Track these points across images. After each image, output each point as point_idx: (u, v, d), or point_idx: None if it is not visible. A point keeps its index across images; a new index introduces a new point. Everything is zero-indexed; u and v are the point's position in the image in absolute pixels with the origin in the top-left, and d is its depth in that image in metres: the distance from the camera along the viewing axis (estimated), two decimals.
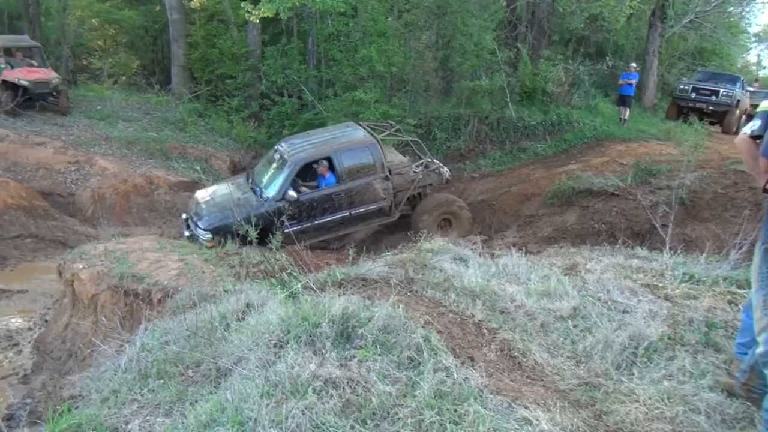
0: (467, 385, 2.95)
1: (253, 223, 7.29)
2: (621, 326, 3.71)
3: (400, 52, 16.03)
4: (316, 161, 9.16)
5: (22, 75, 14.05)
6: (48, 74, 14.60)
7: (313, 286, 4.40)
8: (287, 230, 8.93)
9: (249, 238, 5.80)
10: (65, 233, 10.71)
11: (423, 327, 3.51)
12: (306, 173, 9.48)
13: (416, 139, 11.06)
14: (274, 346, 3.26)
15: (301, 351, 3.16)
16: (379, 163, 9.41)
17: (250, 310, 3.99)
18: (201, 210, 9.06)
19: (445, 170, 10.36)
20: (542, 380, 3.32)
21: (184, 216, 9.56)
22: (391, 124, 11.43)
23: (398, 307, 3.63)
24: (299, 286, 4.19)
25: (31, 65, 14.83)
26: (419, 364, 3.14)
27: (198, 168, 13.48)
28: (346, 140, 9.65)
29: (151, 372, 3.41)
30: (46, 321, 7.48)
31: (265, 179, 9.40)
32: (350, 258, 5.32)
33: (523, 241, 9.69)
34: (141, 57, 21.26)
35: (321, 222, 9.17)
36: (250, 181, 9.95)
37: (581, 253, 5.61)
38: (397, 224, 9.81)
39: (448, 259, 5.12)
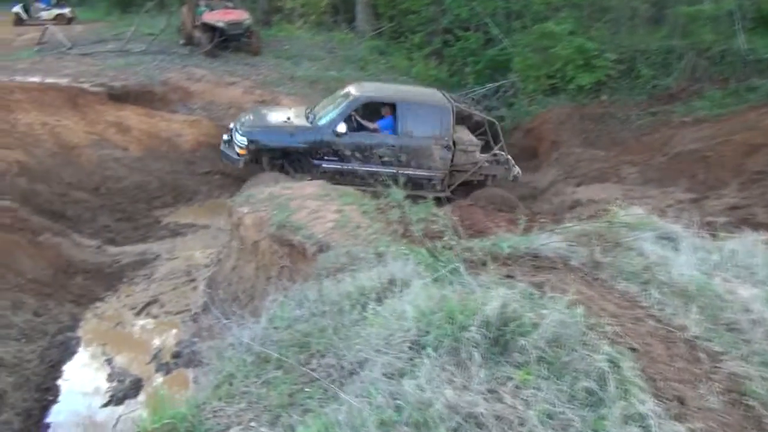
0: None
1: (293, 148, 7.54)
2: None
3: None
4: (382, 104, 8.64)
5: (219, 17, 14.68)
6: (241, 15, 15.10)
7: (471, 261, 3.62)
8: (324, 166, 8.51)
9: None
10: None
11: (610, 343, 2.56)
12: (371, 118, 8.77)
13: (494, 120, 9.50)
14: (409, 348, 2.57)
15: (440, 361, 2.44)
16: (446, 130, 8.53)
17: (392, 289, 3.33)
18: (247, 119, 8.98)
19: (516, 169, 9.15)
20: None
21: (231, 125, 9.31)
22: (472, 98, 10.34)
23: (577, 309, 2.71)
24: (450, 267, 3.41)
25: (227, 7, 15.45)
26: (601, 402, 2.23)
27: None
28: (420, 95, 9.05)
29: (271, 357, 2.94)
30: (219, 260, 7.66)
31: (324, 108, 8.98)
32: (521, 224, 4.41)
33: (747, 204, 7.86)
34: None
35: (363, 170, 8.48)
36: (308, 110, 9.44)
37: None
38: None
39: (651, 237, 3.96)
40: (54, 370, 5.37)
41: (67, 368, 5.49)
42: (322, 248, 5.25)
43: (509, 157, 9.23)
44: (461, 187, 9.00)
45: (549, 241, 3.94)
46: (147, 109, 11.38)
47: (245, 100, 12.97)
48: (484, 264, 3.75)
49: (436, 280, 3.33)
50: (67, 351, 5.69)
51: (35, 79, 11.16)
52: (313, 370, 2.80)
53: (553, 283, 3.27)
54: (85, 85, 11.14)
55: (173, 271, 7.54)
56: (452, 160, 8.75)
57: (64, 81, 11.23)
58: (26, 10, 21.01)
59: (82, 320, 6.27)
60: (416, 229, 5.05)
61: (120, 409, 5.14)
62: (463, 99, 10.27)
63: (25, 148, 8.85)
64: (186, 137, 10.90)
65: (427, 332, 2.61)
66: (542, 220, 6.26)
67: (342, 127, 8.28)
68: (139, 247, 8.02)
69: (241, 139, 8.45)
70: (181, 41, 15.61)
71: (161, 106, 11.88)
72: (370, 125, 8.71)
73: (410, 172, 8.59)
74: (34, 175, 8.43)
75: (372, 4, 17.71)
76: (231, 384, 2.82)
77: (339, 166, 8.52)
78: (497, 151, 9.06)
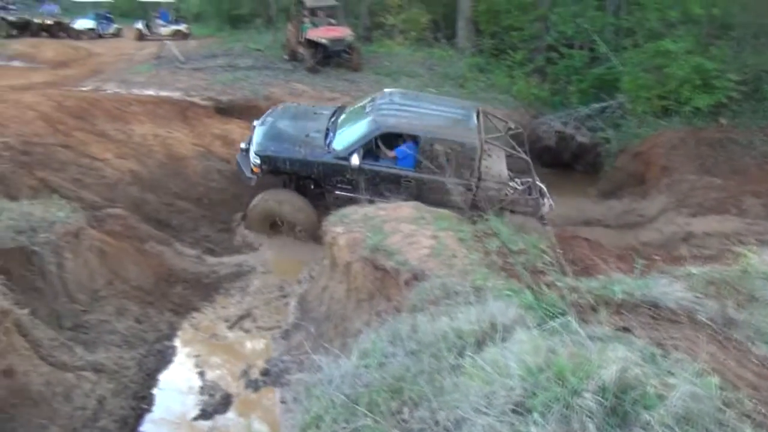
0: None
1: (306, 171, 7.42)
2: None
3: None
4: (404, 134, 8.05)
5: (322, 33, 15.02)
6: (343, 32, 15.38)
7: (579, 305, 3.30)
8: (338, 193, 8.17)
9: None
10: None
11: (753, 425, 2.18)
12: (393, 137, 8.24)
13: (527, 158, 8.41)
14: (512, 411, 2.32)
15: (548, 430, 2.17)
16: (469, 169, 7.87)
17: (493, 336, 3.08)
18: (266, 128, 8.55)
19: (548, 204, 8.38)
20: None
21: (254, 123, 9.04)
22: (510, 128, 9.17)
23: (710, 379, 2.35)
24: (558, 315, 3.12)
25: (330, 24, 15.78)
26: None
27: None
28: (447, 126, 8.08)
29: (361, 400, 2.78)
30: (312, 277, 7.67)
31: (344, 126, 8.47)
32: (637, 266, 4.01)
33: None
34: (431, 11, 21.33)
35: (377, 200, 7.85)
36: (332, 119, 8.91)
37: None
38: None
39: None
40: (150, 378, 5.51)
41: (163, 377, 5.62)
42: (416, 276, 5.08)
43: (542, 186, 8.50)
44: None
45: (671, 290, 3.54)
46: (250, 123, 11.74)
47: None
48: (594, 310, 3.42)
49: (541, 327, 3.05)
50: (164, 360, 5.84)
51: (151, 92, 11.84)
52: (405, 421, 2.61)
53: (678, 342, 2.90)
54: (195, 99, 11.68)
55: (267, 285, 7.63)
56: (474, 197, 8.07)
57: (176, 94, 11.83)
58: (147, 26, 22.54)
59: (180, 330, 6.44)
60: (516, 261, 4.75)
61: (209, 424, 5.20)
62: (499, 120, 9.31)
63: (138, 158, 9.32)
64: None
65: (534, 394, 2.35)
66: (656, 257, 5.76)
67: (356, 160, 7.87)
68: (236, 259, 8.18)
69: (254, 157, 8.19)
70: (285, 56, 16.11)
71: None
72: (389, 153, 8.23)
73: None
74: (144, 184, 8.85)
75: (473, 20, 17.51)
76: (318, 427, 2.69)
77: (352, 195, 8.07)
78: (531, 184, 8.33)
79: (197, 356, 6.05)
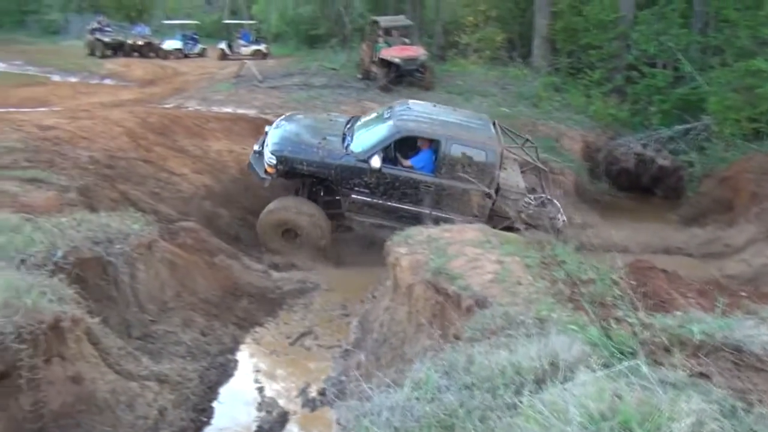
0: None
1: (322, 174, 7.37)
2: None
3: None
4: (423, 139, 7.96)
5: (395, 53, 15.14)
6: (417, 51, 15.45)
7: (651, 345, 3.06)
8: (354, 197, 8.00)
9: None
10: None
11: None
12: (407, 147, 8.18)
13: (545, 168, 8.55)
14: None
15: None
16: (490, 175, 7.80)
17: (554, 375, 2.90)
18: (282, 130, 8.44)
19: (562, 219, 8.24)
20: None
21: (267, 128, 8.86)
22: (527, 140, 9.21)
23: None
24: (626, 355, 2.89)
25: (404, 43, 15.89)
26: None
27: (546, 146, 12.60)
28: (468, 132, 8.02)
29: None
30: (375, 297, 7.62)
31: (361, 130, 8.36)
32: (720, 304, 3.70)
33: None
34: (507, 30, 21.13)
35: (394, 206, 7.97)
36: (348, 125, 8.82)
37: None
38: None
39: None
40: (211, 391, 5.58)
41: (223, 391, 5.69)
42: (478, 303, 4.92)
43: (555, 201, 8.43)
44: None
45: (757, 333, 3.23)
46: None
47: None
48: (668, 351, 3.16)
49: (607, 367, 2.84)
50: (225, 373, 5.91)
51: (228, 109, 12.28)
52: None
53: (763, 395, 2.62)
54: (270, 117, 11.99)
55: (330, 303, 7.65)
56: (492, 207, 8.07)
57: (252, 112, 12.21)
58: (230, 46, 23.51)
59: (242, 343, 6.52)
60: (584, 292, 4.51)
61: None
62: (513, 134, 9.38)
63: (213, 173, 9.64)
64: None
65: None
66: (742, 293, 5.33)
67: (377, 162, 7.75)
68: (301, 275, 8.26)
69: (269, 157, 8.05)
70: (359, 75, 16.34)
71: None
72: (404, 162, 8.17)
73: (444, 216, 7.92)
74: (217, 198, 9.13)
75: (550, 39, 17.16)
76: None
77: (369, 200, 8.05)
78: (547, 198, 8.32)
79: (258, 371, 6.10)
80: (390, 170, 7.93)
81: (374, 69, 15.62)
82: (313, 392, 5.82)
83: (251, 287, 7.55)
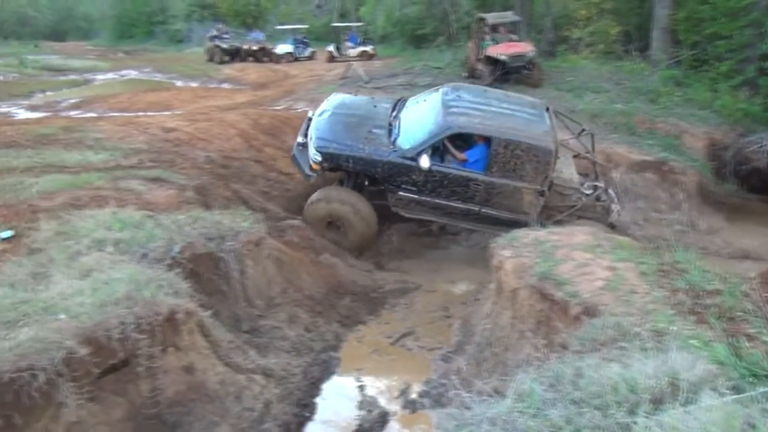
0: None
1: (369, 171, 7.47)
2: None
3: None
4: (476, 137, 7.65)
5: (502, 50, 14.78)
6: (524, 47, 14.99)
7: None
8: (401, 194, 7.81)
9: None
10: None
11: None
12: (461, 140, 7.86)
13: (598, 159, 8.41)
14: None
15: None
16: (542, 174, 7.50)
17: (674, 396, 2.64)
18: (325, 122, 8.18)
19: (616, 210, 8.05)
20: None
21: (309, 114, 8.57)
22: (583, 129, 8.86)
23: None
24: (763, 378, 2.58)
25: (512, 39, 15.48)
26: None
27: (665, 145, 11.81)
28: (522, 127, 7.58)
29: None
30: (477, 300, 7.46)
31: (409, 122, 8.05)
32: None
33: None
34: (622, 23, 20.00)
35: (443, 203, 7.79)
36: (394, 112, 8.48)
37: None
38: None
39: None
40: (314, 386, 5.69)
41: (326, 387, 5.79)
42: (588, 311, 4.64)
43: (610, 191, 8.37)
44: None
45: None
46: None
47: None
48: None
49: (737, 391, 2.54)
50: (328, 370, 6.01)
51: None
52: None
53: None
54: None
55: (431, 304, 7.59)
56: (546, 204, 7.83)
57: None
58: (338, 48, 24.10)
59: (345, 341, 6.61)
60: (709, 304, 4.12)
61: None
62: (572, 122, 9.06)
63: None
64: None
65: None
66: None
67: (426, 162, 7.49)
68: (403, 275, 8.26)
69: (314, 154, 7.85)
70: (464, 74, 16.13)
71: None
72: (458, 154, 7.77)
73: (495, 214, 7.77)
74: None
75: (671, 29, 16.01)
76: None
77: (416, 197, 7.83)
78: (601, 190, 8.18)
79: (359, 369, 6.14)
80: (439, 167, 7.67)
81: (480, 67, 15.33)
82: (413, 394, 5.78)
83: (354, 285, 7.65)
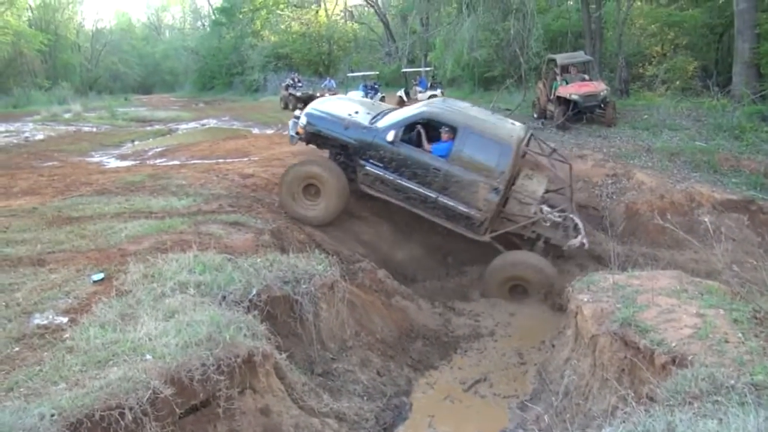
0: None
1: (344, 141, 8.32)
2: None
3: None
4: (444, 125, 8.21)
5: (573, 90, 14.61)
6: (597, 87, 14.76)
7: None
8: (368, 168, 8.32)
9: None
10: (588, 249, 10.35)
11: None
12: (437, 138, 8.40)
13: (564, 184, 8.99)
14: None
15: None
16: (501, 169, 7.89)
17: None
18: (323, 101, 9.41)
19: (580, 238, 8.27)
20: None
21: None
22: (554, 150, 9.44)
23: None
24: None
25: (583, 79, 15.29)
26: None
27: (752, 183, 11.17)
28: (489, 126, 8.25)
29: None
30: (553, 346, 7.21)
31: (394, 113, 8.89)
32: None
33: None
34: (700, 58, 19.43)
35: (405, 184, 8.22)
36: (389, 111, 9.32)
37: None
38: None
39: None
40: None
41: None
42: (675, 361, 4.38)
43: (578, 222, 8.56)
44: (510, 237, 8.65)
45: None
46: None
47: (595, 173, 12.44)
48: None
49: None
50: (400, 415, 5.93)
51: None
52: None
53: None
54: None
55: (505, 350, 7.42)
56: (504, 206, 8.31)
57: None
58: (407, 93, 24.54)
59: (416, 386, 6.52)
60: None
61: None
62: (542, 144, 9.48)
63: (390, 216, 9.92)
64: None
65: None
66: None
67: (390, 136, 8.07)
68: (475, 320, 8.12)
69: (302, 119, 8.73)
70: (535, 115, 16.04)
71: None
72: (426, 145, 8.36)
73: (450, 203, 8.16)
74: (394, 241, 9.38)
75: (754, 63, 15.37)
76: None
77: (381, 173, 8.31)
78: (567, 215, 8.50)
79: (431, 416, 6.02)
80: (402, 147, 8.23)
81: (551, 108, 15.21)
82: None
83: (426, 329, 7.59)
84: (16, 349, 4.14)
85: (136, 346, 4.07)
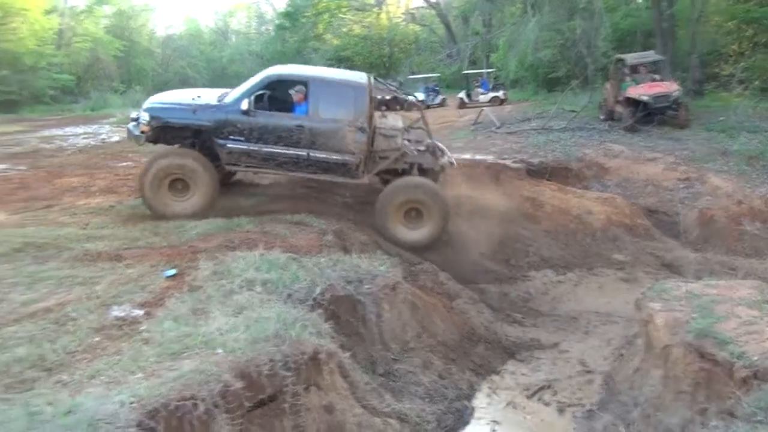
0: None
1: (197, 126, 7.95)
2: None
3: None
4: (293, 83, 8.11)
5: (643, 90, 14.14)
6: (668, 87, 14.26)
7: None
8: (230, 146, 7.97)
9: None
10: (658, 256, 9.99)
11: None
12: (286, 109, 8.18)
13: (419, 104, 9.97)
14: None
15: None
16: (360, 111, 8.10)
17: None
18: (156, 96, 8.72)
19: (447, 157, 8.99)
20: None
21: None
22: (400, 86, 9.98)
23: None
24: None
25: (653, 79, 14.78)
26: None
27: None
28: (336, 74, 8.81)
29: None
30: (621, 355, 6.97)
31: (238, 89, 8.44)
32: None
33: None
34: None
35: (271, 151, 7.99)
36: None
37: None
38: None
39: None
40: None
41: None
42: (758, 375, 4.16)
43: (439, 144, 9.11)
44: (387, 175, 8.75)
45: None
46: (561, 185, 11.55)
47: (666, 177, 12.03)
48: None
49: None
50: (461, 419, 5.85)
51: (467, 156, 12.58)
52: None
53: None
54: (507, 162, 12.01)
55: (569, 358, 7.22)
56: (372, 145, 8.38)
57: (489, 158, 12.36)
58: (468, 94, 24.33)
59: (478, 391, 6.44)
60: None
61: None
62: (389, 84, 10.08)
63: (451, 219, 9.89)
64: (597, 215, 10.58)
65: None
66: None
67: (245, 104, 7.82)
68: (536, 330, 7.96)
69: (143, 116, 8.07)
70: (602, 117, 15.62)
71: (575, 182, 11.95)
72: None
73: (322, 156, 8.09)
74: (454, 242, 9.32)
75: None
76: None
77: (245, 147, 7.98)
78: (429, 142, 8.93)
79: (494, 422, 5.93)
80: (260, 114, 7.97)
81: (619, 109, 14.76)
82: None
83: (488, 333, 7.48)
84: (97, 339, 4.34)
85: (208, 339, 4.19)
